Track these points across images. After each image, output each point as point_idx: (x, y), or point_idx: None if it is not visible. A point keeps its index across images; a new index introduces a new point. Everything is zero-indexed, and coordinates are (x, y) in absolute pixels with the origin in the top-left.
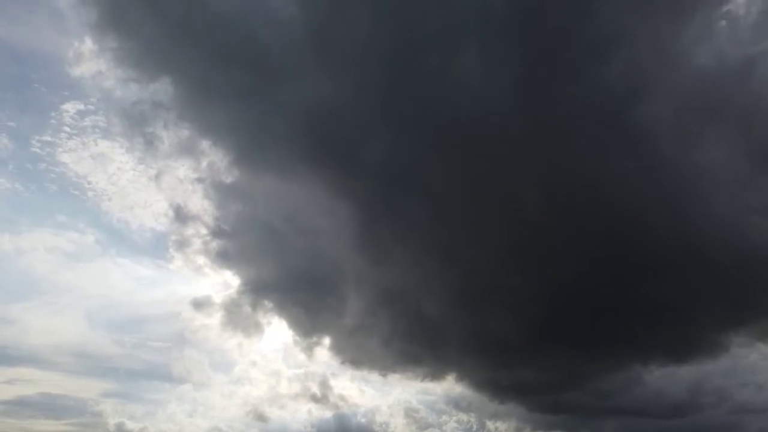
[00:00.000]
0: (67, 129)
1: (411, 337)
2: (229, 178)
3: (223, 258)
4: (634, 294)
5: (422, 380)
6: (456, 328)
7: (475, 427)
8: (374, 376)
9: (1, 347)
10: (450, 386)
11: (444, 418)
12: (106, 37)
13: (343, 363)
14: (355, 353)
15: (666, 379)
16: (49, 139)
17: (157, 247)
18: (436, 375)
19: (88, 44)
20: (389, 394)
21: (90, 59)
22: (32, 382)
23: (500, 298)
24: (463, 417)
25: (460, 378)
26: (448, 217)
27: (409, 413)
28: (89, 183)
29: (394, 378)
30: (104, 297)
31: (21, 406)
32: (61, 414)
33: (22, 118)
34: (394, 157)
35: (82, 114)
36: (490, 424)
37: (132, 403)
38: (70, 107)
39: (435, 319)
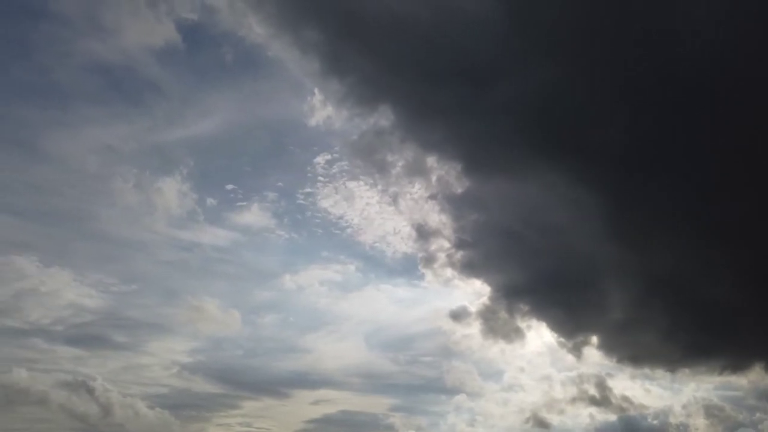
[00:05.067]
0: (321, 178)
1: (697, 326)
2: (459, 189)
3: (470, 268)
4: None
5: (720, 374)
6: (756, 312)
7: None
8: (659, 373)
9: (305, 373)
10: (758, 378)
11: (758, 415)
12: (329, 83)
13: (619, 361)
14: (631, 350)
15: None
16: (309, 190)
17: (408, 268)
18: (737, 366)
19: (317, 95)
20: (681, 392)
21: (320, 108)
22: (333, 402)
23: None
24: None
25: None
26: (722, 190)
27: (711, 412)
28: (345, 221)
29: (684, 374)
30: (375, 321)
31: (327, 424)
32: (360, 429)
33: (286, 177)
34: (638, 134)
35: (330, 163)
36: None
37: (416, 415)
38: (321, 159)
39: (725, 303)
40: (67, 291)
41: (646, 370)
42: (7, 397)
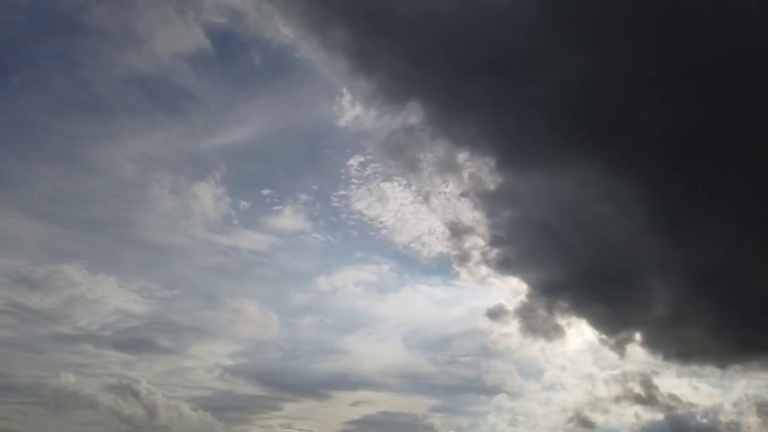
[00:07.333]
0: (355, 180)
1: (747, 321)
2: (492, 185)
3: (505, 265)
4: None
5: None
6: None
7: None
8: (708, 370)
9: (344, 375)
10: None
11: None
12: (357, 81)
13: (665, 358)
14: (677, 346)
15: None
16: (343, 192)
17: (443, 267)
18: None
19: (346, 95)
20: (731, 390)
21: (349, 108)
22: (372, 403)
23: None
24: None
25: None
26: None
27: (764, 410)
28: (380, 222)
29: (735, 370)
30: (412, 322)
31: (368, 425)
32: (400, 429)
33: (321, 181)
34: (677, 123)
35: (363, 165)
36: None
37: (456, 416)
38: (354, 161)
39: None
40: (113, 297)
41: (694, 367)
42: (58, 401)
